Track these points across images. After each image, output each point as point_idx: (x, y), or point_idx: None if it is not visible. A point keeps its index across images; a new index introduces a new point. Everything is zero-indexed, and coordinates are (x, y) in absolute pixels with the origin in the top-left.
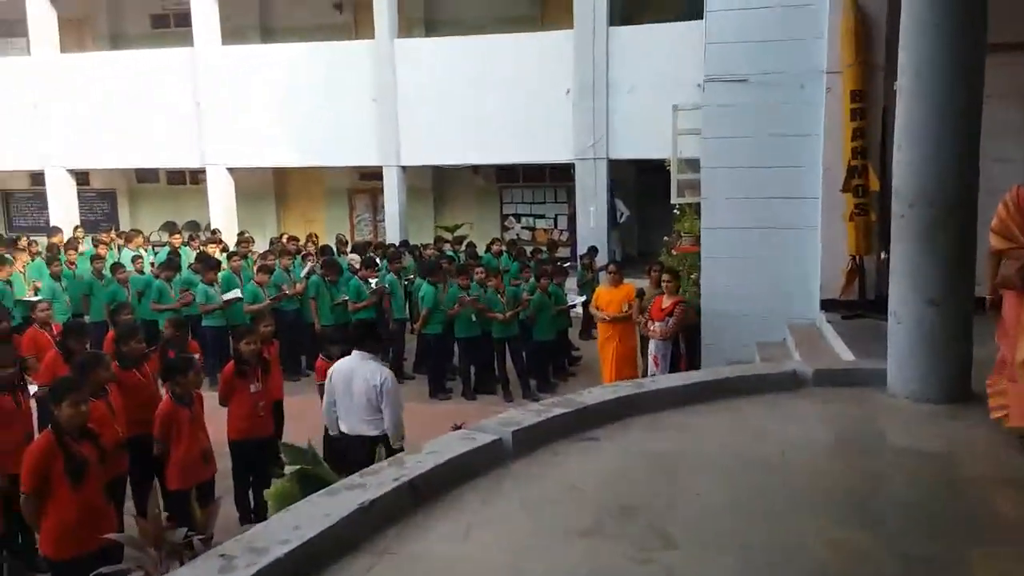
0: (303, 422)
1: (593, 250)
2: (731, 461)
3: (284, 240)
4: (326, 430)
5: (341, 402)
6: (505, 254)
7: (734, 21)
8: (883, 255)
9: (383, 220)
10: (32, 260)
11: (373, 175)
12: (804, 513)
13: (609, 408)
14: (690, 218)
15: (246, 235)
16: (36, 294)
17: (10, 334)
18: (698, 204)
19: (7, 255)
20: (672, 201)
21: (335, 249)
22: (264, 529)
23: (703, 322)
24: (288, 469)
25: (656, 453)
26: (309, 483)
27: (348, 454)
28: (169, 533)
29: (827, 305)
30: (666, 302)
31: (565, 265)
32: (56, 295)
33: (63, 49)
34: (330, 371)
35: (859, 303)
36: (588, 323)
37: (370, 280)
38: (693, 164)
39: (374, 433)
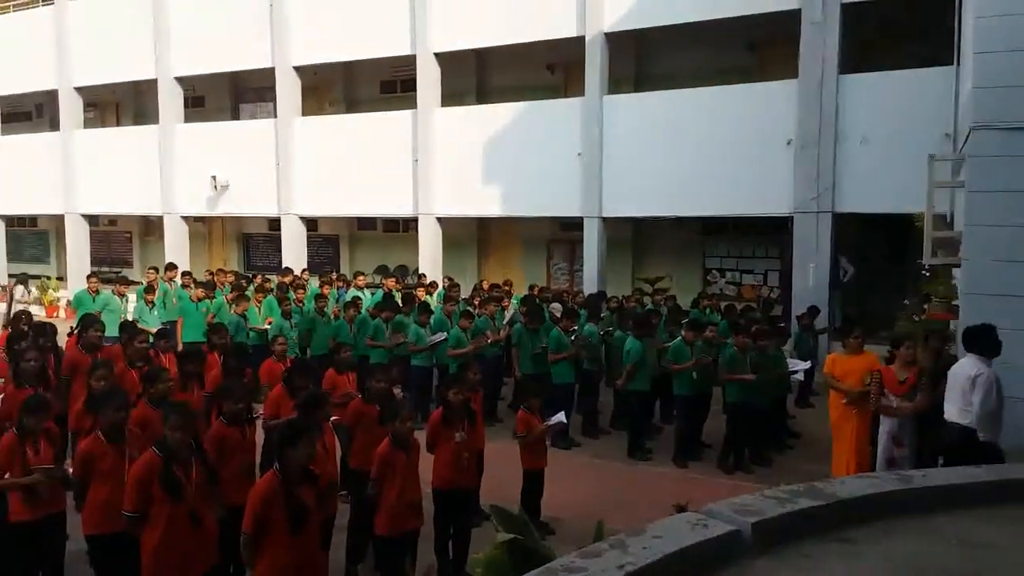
0: (500, 471)
1: (813, 310)
2: None
3: (486, 287)
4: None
5: (949, 390)
6: (709, 309)
7: (1013, 62)
8: None
9: (580, 270)
10: (265, 297)
11: (572, 226)
12: None
13: (868, 504)
14: (944, 281)
15: (455, 281)
16: (270, 327)
17: (243, 370)
18: (953, 265)
19: (246, 292)
20: (924, 261)
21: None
22: None
23: None
24: (500, 536)
25: (936, 570)
26: (521, 554)
27: (944, 436)
28: None
29: None
30: (902, 373)
31: (780, 325)
32: (285, 332)
33: (304, 112)
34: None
35: None
36: (806, 391)
37: (571, 330)
38: (945, 220)
39: (963, 422)
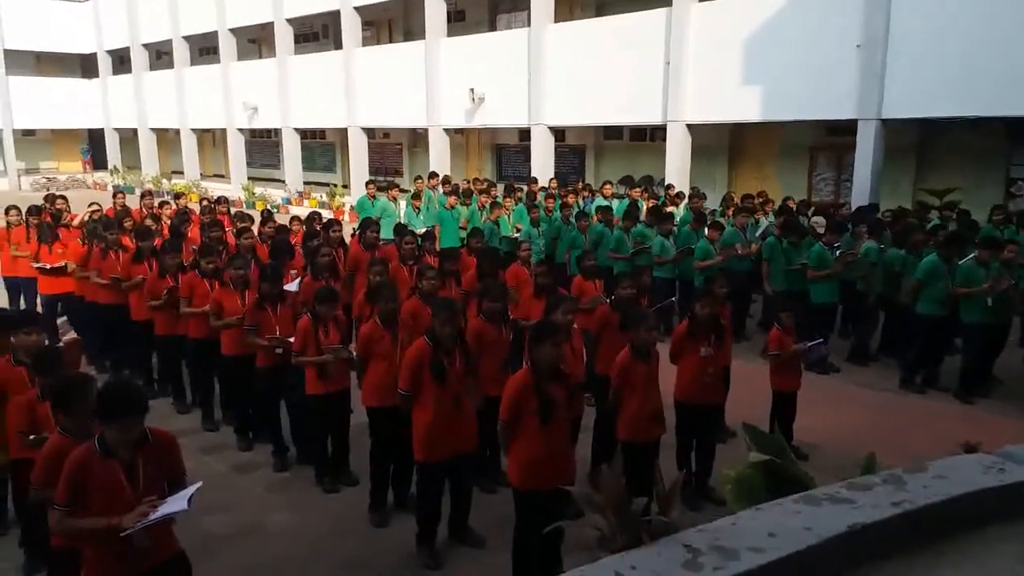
0: (746, 390)
1: None
2: None
3: (736, 198)
4: None
5: None
6: (1015, 227)
7: None
8: None
9: (848, 180)
10: (516, 205)
11: (841, 130)
12: None
13: None
14: None
15: (701, 192)
16: (518, 234)
17: (496, 272)
18: None
19: (498, 199)
20: None
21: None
22: (733, 526)
23: None
24: (752, 456)
25: None
26: (776, 478)
27: None
28: (634, 503)
29: None
30: None
31: None
32: (532, 238)
33: (556, 19)
34: None
35: None
36: None
37: (834, 246)
38: None
39: None
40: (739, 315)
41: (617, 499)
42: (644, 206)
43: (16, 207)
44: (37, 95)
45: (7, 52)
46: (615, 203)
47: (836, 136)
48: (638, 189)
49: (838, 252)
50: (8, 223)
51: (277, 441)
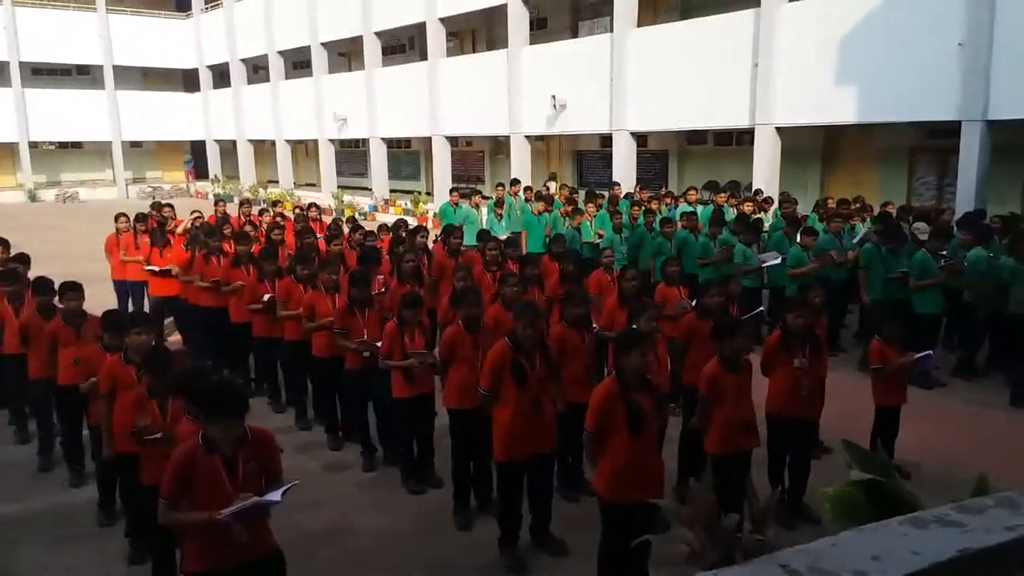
0: (842, 404)
1: None
2: None
3: (831, 203)
4: None
5: None
6: None
7: None
8: None
9: (951, 184)
10: (598, 211)
11: (943, 132)
12: None
13: None
14: None
15: (791, 197)
16: (599, 240)
17: (579, 278)
18: None
19: (580, 206)
20: None
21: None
22: (834, 547)
23: None
24: (854, 475)
25: None
26: (878, 497)
27: None
28: (726, 519)
29: None
30: None
31: None
32: (615, 245)
33: (639, 24)
34: None
35: None
36: None
37: (940, 253)
38: None
39: None
40: (834, 326)
41: (707, 514)
42: (731, 212)
43: (125, 215)
44: (143, 109)
45: (116, 68)
46: (699, 209)
47: (938, 139)
48: (723, 194)
49: (943, 260)
50: (117, 230)
51: (365, 442)
